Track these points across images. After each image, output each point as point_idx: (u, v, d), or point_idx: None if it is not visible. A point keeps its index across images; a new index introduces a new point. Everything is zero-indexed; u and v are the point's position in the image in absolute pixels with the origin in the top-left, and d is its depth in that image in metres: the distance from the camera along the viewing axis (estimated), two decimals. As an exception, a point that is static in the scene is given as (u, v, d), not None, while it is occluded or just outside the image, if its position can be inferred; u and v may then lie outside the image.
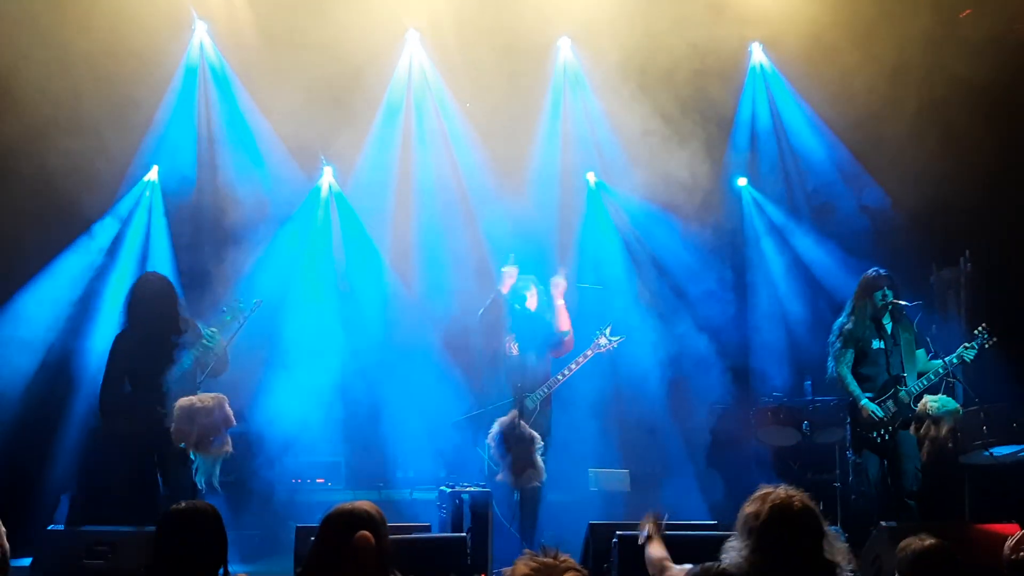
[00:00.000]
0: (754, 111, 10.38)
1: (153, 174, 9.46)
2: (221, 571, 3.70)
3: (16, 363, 8.51)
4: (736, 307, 10.24)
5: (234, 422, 6.80)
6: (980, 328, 7.48)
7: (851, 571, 3.57)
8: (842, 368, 7.64)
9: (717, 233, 10.17)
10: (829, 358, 7.78)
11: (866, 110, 9.33)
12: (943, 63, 8.72)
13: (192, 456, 6.65)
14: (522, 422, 7.27)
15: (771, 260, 10.44)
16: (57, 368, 8.65)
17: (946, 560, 3.96)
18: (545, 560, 2.75)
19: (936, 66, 8.79)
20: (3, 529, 3.78)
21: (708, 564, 3.65)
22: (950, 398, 7.40)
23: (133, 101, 8.91)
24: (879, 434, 7.50)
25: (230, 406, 6.79)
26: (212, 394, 6.79)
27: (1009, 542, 4.41)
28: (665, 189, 9.49)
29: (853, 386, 7.58)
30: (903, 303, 7.65)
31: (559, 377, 8.21)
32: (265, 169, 9.46)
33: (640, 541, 4.54)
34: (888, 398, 7.53)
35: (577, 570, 2.75)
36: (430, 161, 9.86)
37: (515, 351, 8.21)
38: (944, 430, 7.20)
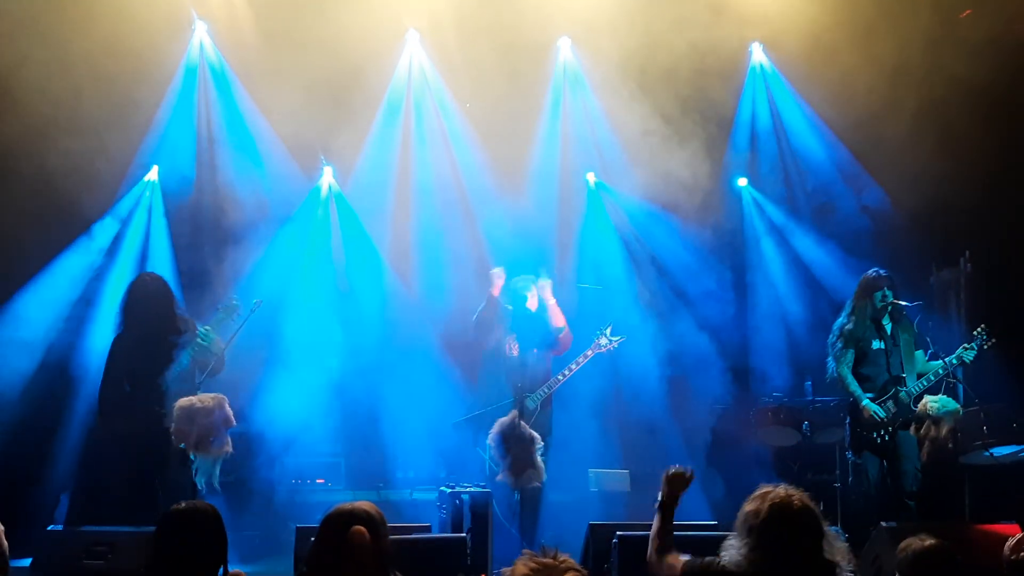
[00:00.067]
0: (754, 111, 10.38)
1: (153, 174, 9.45)
2: (221, 571, 3.70)
3: (16, 363, 8.51)
4: (736, 307, 10.24)
5: (234, 422, 6.80)
6: (979, 329, 7.48)
7: (851, 571, 3.57)
8: (843, 368, 7.64)
9: (717, 233, 10.17)
10: (829, 358, 7.78)
11: (866, 110, 9.33)
12: (943, 63, 8.73)
13: (192, 456, 6.65)
14: (522, 422, 7.27)
15: (771, 260, 10.43)
16: (57, 368, 8.65)
17: (946, 560, 3.96)
18: (545, 560, 2.74)
19: (936, 66, 8.79)
20: (1, 527, 3.78)
21: (709, 559, 3.66)
22: (950, 398, 7.40)
23: (133, 101, 8.91)
24: (879, 435, 7.50)
25: (230, 406, 6.79)
26: (212, 394, 6.79)
27: (1009, 543, 4.41)
28: (665, 189, 9.49)
29: (854, 386, 7.57)
30: (903, 303, 7.65)
31: (559, 377, 8.21)
32: (265, 169, 9.46)
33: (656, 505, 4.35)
34: (888, 399, 7.52)
35: (577, 570, 2.75)
36: (430, 161, 9.85)
37: (516, 352, 8.22)
38: (944, 430, 7.21)
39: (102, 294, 8.89)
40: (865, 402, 7.50)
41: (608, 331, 8.26)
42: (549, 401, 8.22)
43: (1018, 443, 7.88)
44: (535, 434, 7.32)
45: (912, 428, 7.35)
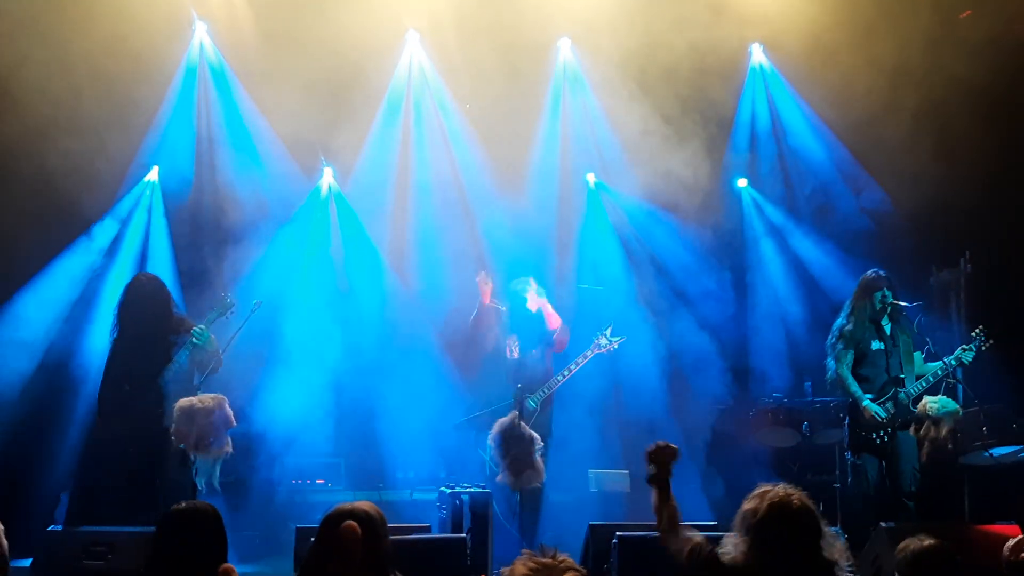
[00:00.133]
0: (754, 111, 10.38)
1: (153, 174, 9.46)
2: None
3: (15, 363, 8.51)
4: (736, 307, 10.24)
5: (234, 423, 6.80)
6: (977, 330, 7.48)
7: (849, 570, 3.58)
8: (843, 369, 7.63)
9: (717, 234, 10.17)
10: (828, 359, 7.78)
11: (866, 111, 9.34)
12: (942, 64, 8.73)
13: (192, 456, 6.65)
14: (522, 423, 7.27)
15: (771, 261, 10.43)
16: (57, 368, 8.65)
17: (945, 560, 3.97)
18: (544, 560, 2.75)
19: (935, 67, 8.79)
20: (1, 527, 3.78)
21: (712, 551, 3.66)
22: (950, 399, 7.40)
23: (133, 101, 8.92)
24: (878, 435, 7.50)
25: (230, 406, 6.79)
26: (212, 395, 6.79)
27: (1009, 544, 4.41)
28: (665, 189, 9.49)
29: (854, 387, 7.57)
30: (902, 304, 7.65)
31: (559, 378, 8.21)
32: (265, 169, 9.46)
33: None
34: (887, 399, 7.53)
35: (576, 570, 2.75)
36: (429, 161, 9.86)
37: (516, 353, 8.23)
38: (944, 431, 7.21)
39: (102, 294, 8.88)
40: (866, 403, 7.50)
41: (608, 332, 8.26)
42: (549, 402, 8.22)
43: (1017, 443, 7.89)
44: (535, 434, 7.32)
45: (912, 428, 7.35)
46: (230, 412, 6.75)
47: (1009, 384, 8.28)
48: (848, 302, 7.84)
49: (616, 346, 8.29)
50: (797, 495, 3.55)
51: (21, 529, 4.88)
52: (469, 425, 8.32)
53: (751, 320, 10.31)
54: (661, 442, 4.28)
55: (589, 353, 8.23)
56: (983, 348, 7.41)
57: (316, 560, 3.63)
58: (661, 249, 10.16)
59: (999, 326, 7.56)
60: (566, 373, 8.21)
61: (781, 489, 3.56)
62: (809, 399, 9.34)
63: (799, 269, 10.30)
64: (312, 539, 3.70)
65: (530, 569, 2.72)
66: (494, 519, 7.12)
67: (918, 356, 7.72)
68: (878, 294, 7.63)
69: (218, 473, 6.68)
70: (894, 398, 7.51)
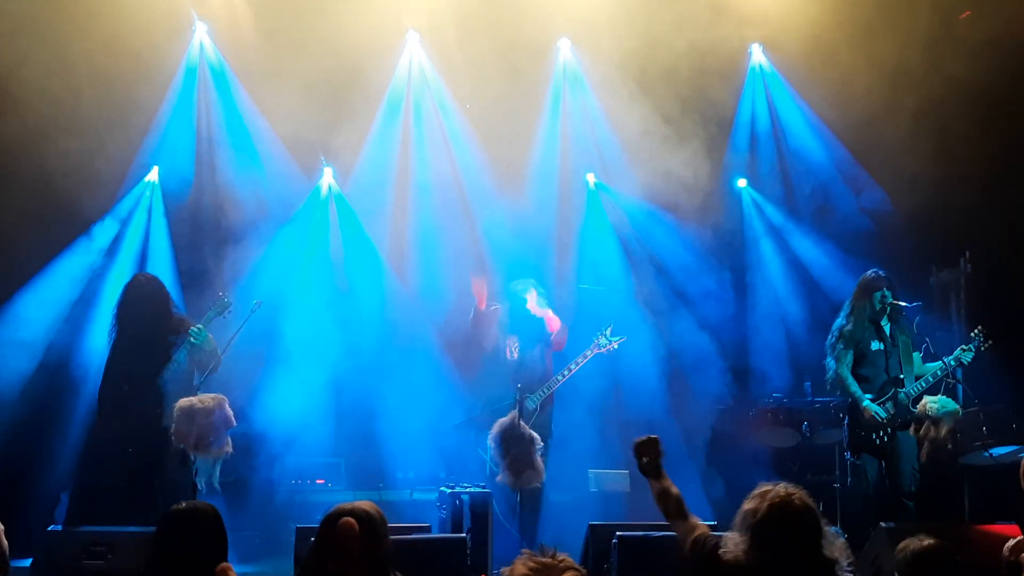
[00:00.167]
0: (754, 112, 10.38)
1: (153, 175, 9.46)
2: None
3: (15, 363, 8.51)
4: (736, 307, 10.24)
5: (234, 423, 6.81)
6: (976, 331, 7.49)
7: (849, 570, 3.58)
8: (843, 369, 7.63)
9: (717, 234, 10.17)
10: (828, 359, 7.78)
11: (865, 111, 9.34)
12: (942, 64, 8.73)
13: (192, 457, 6.66)
14: (522, 423, 7.27)
15: (770, 261, 10.43)
16: (56, 368, 8.65)
17: (945, 560, 3.97)
18: (544, 560, 2.74)
19: (935, 67, 8.79)
20: (1, 527, 3.78)
21: (715, 547, 3.66)
22: (949, 399, 7.40)
23: (133, 102, 8.92)
24: (878, 436, 7.50)
25: (230, 406, 6.80)
26: (212, 395, 6.80)
27: (1008, 544, 4.42)
28: (665, 189, 9.49)
29: (854, 387, 7.57)
30: (902, 304, 7.65)
31: (559, 378, 8.21)
32: (265, 169, 9.46)
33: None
34: (887, 400, 7.53)
35: (576, 570, 2.75)
36: (430, 161, 9.86)
37: (516, 354, 8.23)
38: (944, 431, 7.21)
39: (102, 294, 8.89)
40: (866, 403, 7.50)
41: (608, 332, 8.25)
42: (550, 401, 8.22)
43: (1017, 443, 7.88)
44: (535, 434, 7.32)
45: (912, 428, 7.35)
46: (230, 412, 6.76)
47: (1009, 384, 8.28)
48: (848, 302, 7.84)
49: (616, 346, 8.29)
50: (798, 494, 3.55)
51: (21, 529, 4.88)
52: (469, 425, 8.32)
53: (751, 320, 10.31)
54: (642, 437, 4.30)
55: (589, 353, 8.23)
56: (982, 348, 7.41)
57: (316, 560, 3.63)
58: (661, 249, 10.16)
59: (999, 326, 7.57)
60: (566, 373, 8.21)
61: (782, 488, 3.56)
62: (809, 399, 9.34)
63: (799, 269, 10.30)
64: (312, 539, 3.70)
65: (530, 569, 2.72)
66: (494, 519, 7.12)
67: (917, 356, 7.72)
68: (878, 294, 7.63)
69: (218, 473, 6.69)
70: (894, 398, 7.52)
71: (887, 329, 7.67)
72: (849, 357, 7.65)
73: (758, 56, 10.21)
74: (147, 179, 9.44)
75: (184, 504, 3.90)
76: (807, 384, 9.42)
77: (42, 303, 8.76)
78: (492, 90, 9.39)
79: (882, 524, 6.48)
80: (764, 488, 3.58)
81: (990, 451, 7.65)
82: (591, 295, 9.69)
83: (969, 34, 8.75)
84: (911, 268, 9.38)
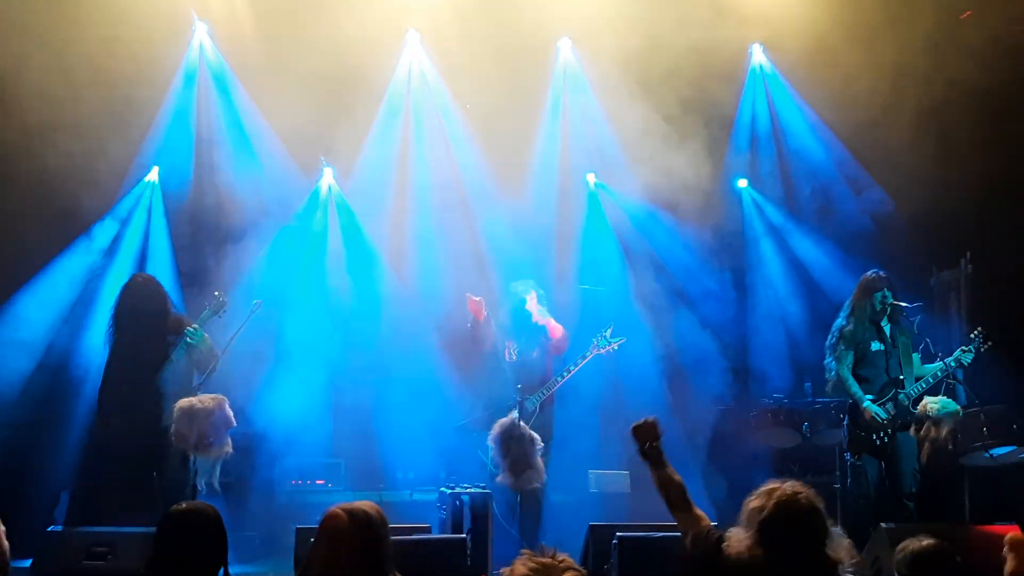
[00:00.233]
0: (755, 112, 10.38)
1: (153, 175, 9.46)
2: (221, 572, 3.70)
3: (16, 363, 8.52)
4: (736, 308, 10.24)
5: (234, 423, 6.81)
6: (976, 332, 7.49)
7: (851, 571, 3.57)
8: (843, 370, 7.62)
9: (717, 234, 10.16)
10: (828, 359, 7.78)
11: (866, 112, 9.33)
12: (943, 65, 8.73)
13: (192, 457, 6.66)
14: (522, 423, 7.27)
15: (771, 261, 10.43)
16: (56, 368, 8.66)
17: (945, 560, 3.96)
18: (544, 560, 2.74)
19: (936, 68, 8.79)
20: (2, 528, 3.78)
21: (717, 542, 3.65)
22: (950, 400, 7.40)
23: (133, 102, 8.92)
24: (878, 436, 7.50)
25: (230, 407, 6.80)
26: (212, 395, 6.80)
27: (1009, 537, 4.42)
28: (665, 189, 9.48)
29: (855, 388, 7.57)
30: (903, 304, 7.65)
31: (558, 379, 8.21)
32: (265, 169, 9.46)
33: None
34: (887, 400, 7.53)
35: (576, 570, 2.75)
36: (430, 161, 9.85)
37: (515, 356, 8.23)
38: (944, 431, 7.20)
39: (102, 294, 8.89)
40: (866, 403, 7.49)
41: (608, 333, 8.24)
42: (550, 403, 8.22)
43: (1018, 444, 7.88)
44: (535, 435, 7.32)
45: (912, 429, 7.35)
46: (230, 412, 6.76)
47: (1009, 384, 8.28)
48: (848, 302, 7.84)
49: (616, 347, 8.28)
50: (805, 494, 3.54)
51: (21, 529, 4.88)
52: (470, 427, 8.31)
53: (751, 320, 10.31)
54: (640, 420, 4.23)
55: (589, 354, 8.23)
56: (981, 350, 7.41)
57: (316, 560, 3.63)
58: (661, 249, 10.16)
59: (999, 327, 7.56)
60: (565, 374, 8.21)
61: (790, 487, 3.55)
62: (809, 399, 9.34)
63: (799, 269, 10.30)
64: (312, 540, 3.70)
65: (530, 569, 2.71)
66: (494, 519, 7.12)
67: (916, 357, 7.72)
68: (878, 295, 7.62)
69: (218, 473, 6.69)
70: (894, 399, 7.51)
71: (887, 330, 7.66)
72: (850, 358, 7.64)
73: (759, 56, 10.21)
74: (147, 179, 9.45)
75: (184, 504, 3.89)
76: (807, 385, 9.41)
77: (42, 303, 8.77)
78: (492, 90, 9.38)
79: (882, 525, 6.48)
80: (772, 486, 3.58)
81: (990, 452, 7.64)
82: (591, 295, 9.69)
83: (970, 35, 8.75)
84: (911, 269, 9.38)
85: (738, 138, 10.37)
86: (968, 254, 9.53)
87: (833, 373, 7.69)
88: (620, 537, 6.25)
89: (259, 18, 9.26)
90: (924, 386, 7.48)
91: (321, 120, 9.09)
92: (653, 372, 9.42)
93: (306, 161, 9.66)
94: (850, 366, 7.64)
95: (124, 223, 9.33)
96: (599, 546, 6.48)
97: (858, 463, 7.64)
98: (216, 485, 6.66)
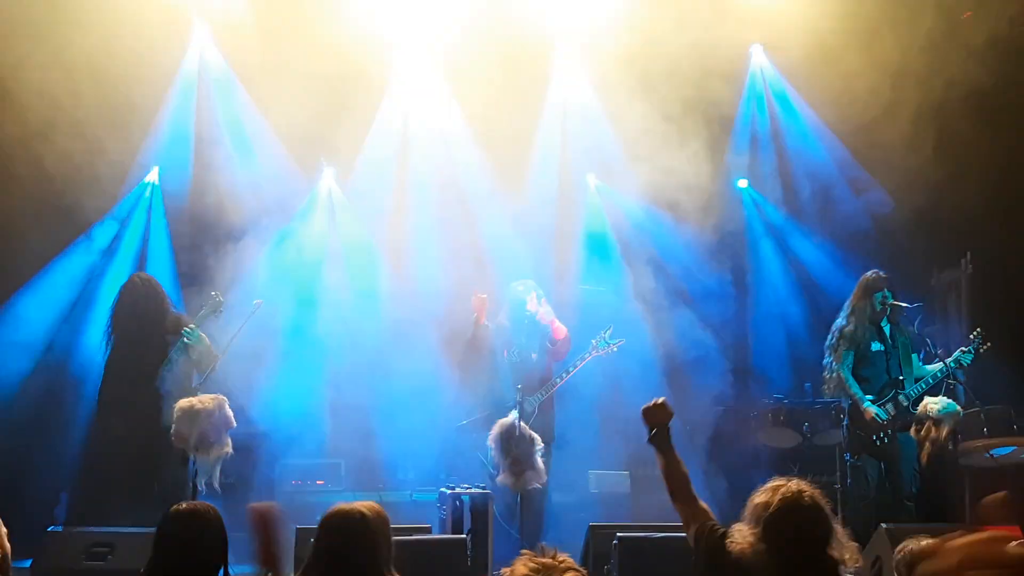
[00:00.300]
0: (755, 113, 10.37)
1: (153, 175, 9.47)
2: (221, 572, 3.70)
3: (16, 364, 8.52)
4: (736, 308, 10.24)
5: (234, 423, 6.81)
6: (975, 333, 7.49)
7: (852, 573, 3.57)
8: (843, 370, 7.63)
9: (717, 234, 10.15)
10: (827, 359, 7.77)
11: (867, 112, 9.32)
12: (944, 66, 8.72)
13: (191, 457, 6.66)
14: (522, 423, 7.26)
15: (771, 261, 10.43)
16: (56, 368, 8.66)
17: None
18: (544, 560, 2.74)
19: (937, 69, 8.78)
20: (4, 530, 3.79)
21: (721, 537, 3.64)
22: (950, 400, 7.40)
23: (133, 102, 8.91)
24: (878, 437, 7.50)
25: (230, 407, 6.80)
26: (212, 395, 6.80)
27: (1009, 545, 4.40)
28: (665, 190, 9.47)
29: (855, 388, 7.56)
30: (903, 305, 7.65)
31: (557, 380, 8.20)
32: (265, 169, 9.45)
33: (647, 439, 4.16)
34: (887, 401, 7.52)
35: (577, 570, 2.74)
36: (429, 160, 9.84)
37: (515, 356, 8.22)
38: (944, 432, 7.20)
39: (101, 295, 8.89)
40: (867, 404, 7.49)
41: (607, 334, 8.24)
42: (551, 404, 8.22)
43: (1018, 444, 7.88)
44: (535, 435, 7.31)
45: (912, 430, 7.35)
46: (230, 413, 6.76)
47: (1010, 385, 8.27)
48: (848, 303, 7.83)
49: (616, 348, 8.27)
50: (809, 492, 3.53)
51: (21, 529, 4.87)
52: (470, 427, 8.30)
53: (752, 320, 10.30)
54: (654, 400, 4.21)
55: (588, 355, 8.22)
56: (981, 351, 7.41)
57: (315, 560, 3.63)
58: (661, 249, 10.15)
59: (1000, 327, 7.56)
60: (564, 375, 8.21)
61: (795, 484, 3.54)
62: (810, 400, 9.33)
63: (799, 269, 10.30)
64: (312, 540, 3.70)
65: (530, 569, 2.71)
66: (494, 520, 7.12)
67: (915, 358, 7.72)
68: (879, 295, 7.62)
69: (218, 473, 6.69)
70: (894, 400, 7.51)
71: (887, 330, 7.66)
72: (850, 358, 7.64)
73: (759, 56, 10.20)
74: (147, 179, 9.45)
75: (184, 504, 3.90)
76: (807, 385, 9.41)
77: (42, 303, 8.78)
78: (493, 89, 9.38)
79: (883, 525, 6.47)
80: (777, 482, 3.57)
81: (991, 452, 7.64)
82: (591, 295, 9.68)
83: (971, 36, 8.74)
84: (912, 269, 9.38)
85: (738, 138, 10.37)
86: (968, 254, 9.53)
87: (832, 373, 7.69)
88: (620, 537, 6.25)
89: (259, 17, 9.25)
90: (924, 387, 7.48)
91: (321, 119, 9.08)
92: (653, 372, 9.41)
93: (306, 161, 9.65)
94: (850, 366, 7.64)
95: (124, 223, 9.33)
96: (599, 546, 6.48)
97: (858, 463, 7.64)
98: (216, 485, 6.67)
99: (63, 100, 8.36)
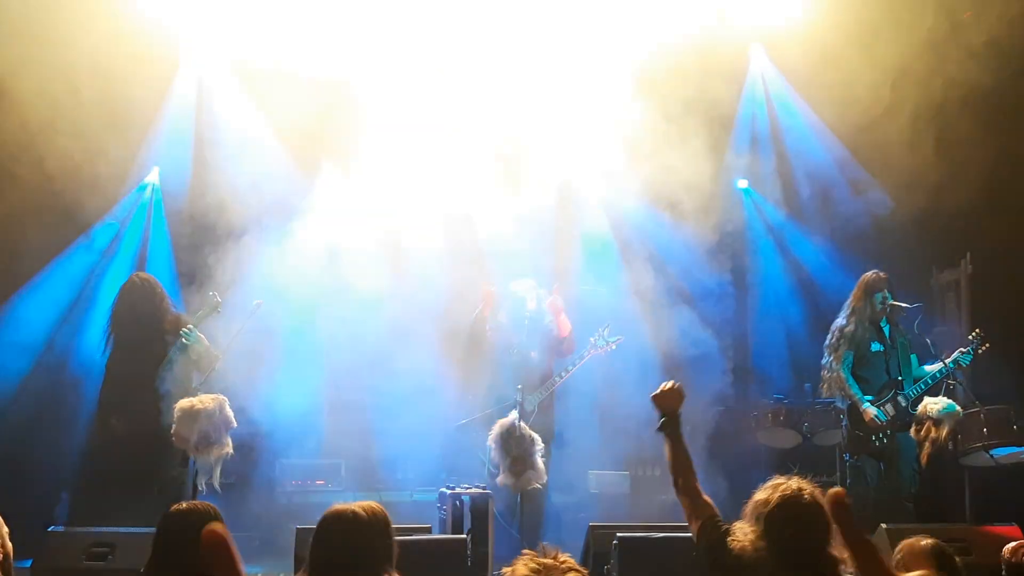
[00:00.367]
0: (755, 113, 10.37)
1: (154, 175, 9.46)
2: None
3: (16, 364, 8.52)
4: (736, 308, 10.24)
5: (234, 423, 6.81)
6: (974, 334, 7.50)
7: (851, 572, 3.57)
8: (844, 370, 7.63)
9: (717, 234, 10.15)
10: (826, 359, 7.77)
11: (867, 112, 9.32)
12: (944, 66, 8.72)
13: (192, 457, 6.66)
14: (521, 423, 7.27)
15: (771, 262, 10.43)
16: (56, 369, 8.66)
17: (944, 561, 3.96)
18: (546, 561, 2.74)
19: (937, 69, 8.78)
20: (6, 530, 3.79)
21: (724, 533, 3.64)
22: (950, 400, 7.40)
23: (133, 102, 8.91)
24: (877, 437, 7.50)
25: (230, 407, 6.80)
26: (212, 395, 6.81)
27: (1009, 545, 4.42)
28: (666, 190, 9.47)
29: (855, 388, 7.57)
30: (903, 305, 7.65)
31: (556, 379, 8.21)
32: (264, 169, 9.44)
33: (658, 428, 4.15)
34: (886, 401, 7.53)
35: (578, 571, 2.74)
36: (429, 160, 9.83)
37: (516, 355, 8.23)
38: (944, 432, 7.21)
39: (101, 295, 8.89)
40: (866, 405, 7.49)
41: (605, 332, 8.24)
42: (551, 404, 8.22)
43: (1018, 445, 7.88)
44: (535, 435, 7.32)
45: (912, 430, 7.36)
46: (230, 413, 6.77)
47: (1010, 385, 8.28)
48: (848, 303, 7.84)
49: (614, 346, 8.28)
50: (809, 490, 3.54)
51: (21, 529, 4.88)
52: (470, 427, 8.31)
53: (752, 321, 10.30)
54: (666, 384, 4.17)
55: (587, 354, 8.23)
56: (979, 351, 7.41)
57: (314, 561, 3.63)
58: (661, 249, 10.14)
59: (1000, 327, 7.57)
60: (563, 374, 8.22)
61: (795, 483, 3.55)
62: (809, 400, 9.34)
63: (799, 270, 10.30)
64: (311, 540, 3.70)
65: (531, 570, 2.71)
66: (494, 520, 7.12)
67: (914, 358, 7.73)
68: (879, 295, 7.63)
69: (218, 473, 6.69)
70: (893, 400, 7.52)
71: (886, 331, 7.67)
72: (850, 358, 7.65)
73: (760, 57, 10.20)
74: (147, 179, 9.44)
75: (184, 504, 3.90)
76: (807, 385, 9.41)
77: (42, 303, 8.78)
78: (493, 89, 9.37)
79: (882, 525, 6.47)
80: (777, 481, 3.58)
81: (991, 452, 7.64)
82: (592, 296, 9.67)
83: (972, 36, 8.74)
84: (912, 269, 9.38)
85: (738, 138, 10.37)
86: (968, 254, 9.53)
87: (832, 373, 7.69)
88: (620, 538, 6.25)
89: (259, 16, 9.24)
90: (923, 387, 7.48)
91: (321, 119, 9.08)
92: (653, 372, 9.40)
93: (306, 160, 9.64)
94: (850, 366, 7.65)
95: (124, 223, 9.33)
96: (599, 546, 6.48)
97: (857, 463, 7.64)
98: (216, 485, 6.67)
99: (63, 100, 8.36)
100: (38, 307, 8.76)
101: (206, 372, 7.13)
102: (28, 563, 6.29)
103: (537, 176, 9.93)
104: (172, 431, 6.67)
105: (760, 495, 3.55)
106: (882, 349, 7.62)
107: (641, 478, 9.31)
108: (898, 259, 9.00)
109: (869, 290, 7.68)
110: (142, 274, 7.89)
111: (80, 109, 8.43)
